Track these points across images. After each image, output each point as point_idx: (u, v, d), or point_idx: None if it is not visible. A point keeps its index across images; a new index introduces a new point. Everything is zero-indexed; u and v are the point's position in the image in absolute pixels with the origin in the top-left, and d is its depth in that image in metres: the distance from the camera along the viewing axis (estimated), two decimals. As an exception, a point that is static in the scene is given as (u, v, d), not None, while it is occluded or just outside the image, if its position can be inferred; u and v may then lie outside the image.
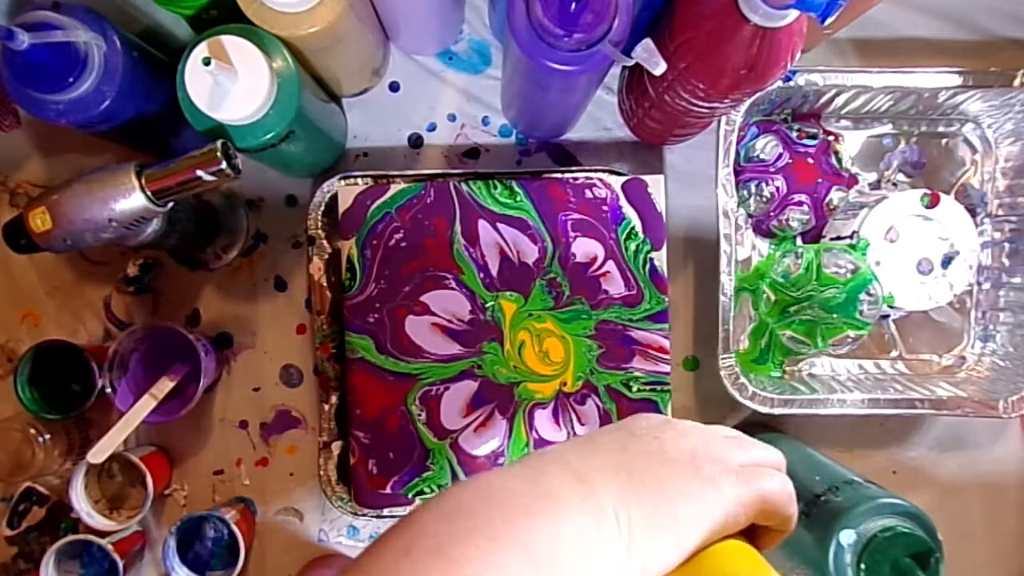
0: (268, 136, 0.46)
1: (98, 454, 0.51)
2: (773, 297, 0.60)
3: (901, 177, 0.63)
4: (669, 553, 0.30)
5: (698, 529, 0.30)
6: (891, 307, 0.59)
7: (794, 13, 0.40)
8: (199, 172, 0.44)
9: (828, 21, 0.37)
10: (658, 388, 0.55)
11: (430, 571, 0.26)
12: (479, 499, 0.29)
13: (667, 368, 0.56)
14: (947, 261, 0.59)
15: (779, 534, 0.33)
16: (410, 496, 0.54)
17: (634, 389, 0.55)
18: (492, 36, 0.61)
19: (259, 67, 0.44)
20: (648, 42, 0.42)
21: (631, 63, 0.42)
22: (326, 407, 0.57)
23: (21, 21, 0.43)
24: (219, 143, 0.43)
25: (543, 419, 0.55)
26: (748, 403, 0.57)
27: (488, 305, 0.55)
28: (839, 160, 0.62)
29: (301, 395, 0.61)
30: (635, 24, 0.44)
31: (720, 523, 0.31)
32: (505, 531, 0.27)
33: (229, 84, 0.43)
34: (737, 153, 0.60)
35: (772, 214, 0.61)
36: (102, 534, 0.56)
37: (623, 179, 0.56)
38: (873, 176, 0.63)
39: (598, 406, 0.55)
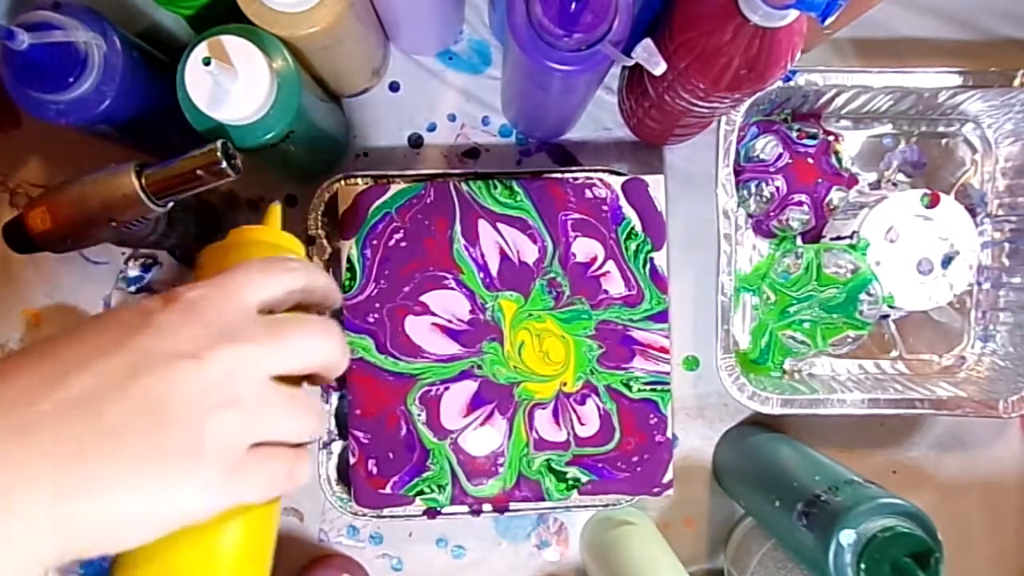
0: (268, 136, 0.46)
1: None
2: (773, 297, 0.60)
3: (901, 177, 0.63)
4: (127, 543, 0.25)
5: (165, 530, 0.26)
6: (891, 307, 0.59)
7: (794, 13, 0.40)
8: (199, 172, 0.44)
9: (828, 21, 0.37)
10: (658, 388, 0.55)
11: None
12: None
13: (667, 368, 0.56)
14: (947, 261, 0.59)
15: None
16: (410, 496, 0.54)
17: (634, 389, 0.55)
18: (492, 36, 0.61)
19: (259, 67, 0.44)
20: (648, 42, 0.42)
21: (631, 63, 0.42)
22: (326, 407, 0.57)
23: (21, 21, 0.43)
24: (219, 143, 0.43)
25: (543, 419, 0.55)
26: (748, 403, 0.57)
27: (488, 305, 0.55)
28: (839, 160, 0.62)
29: (301, 395, 0.61)
30: (635, 24, 0.44)
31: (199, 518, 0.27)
32: None
33: (229, 84, 0.43)
34: (737, 153, 0.60)
35: (772, 214, 0.61)
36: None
37: (623, 179, 0.56)
38: (873, 176, 0.63)
39: (598, 406, 0.55)
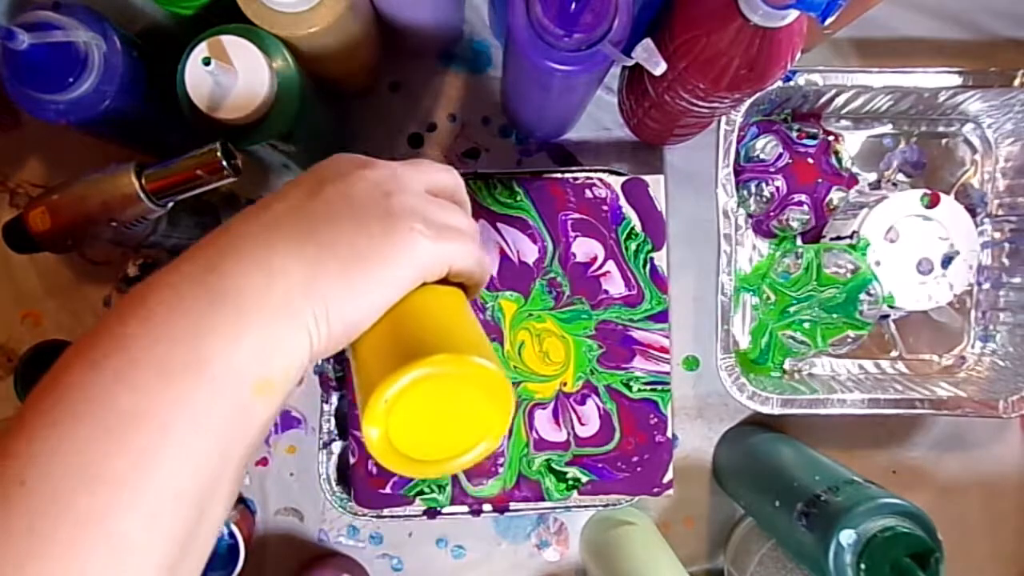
0: (268, 136, 0.46)
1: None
2: (773, 297, 0.60)
3: (901, 177, 0.63)
4: (366, 317, 0.29)
5: (394, 290, 0.29)
6: (891, 307, 0.59)
7: (794, 13, 0.40)
8: (199, 172, 0.44)
9: (828, 21, 0.37)
10: (658, 388, 0.55)
11: (91, 434, 0.23)
12: (139, 325, 0.25)
13: (667, 368, 0.56)
14: (947, 261, 0.59)
15: (474, 289, 0.34)
16: (410, 496, 0.54)
17: (634, 389, 0.55)
18: (492, 36, 0.61)
19: (259, 67, 0.44)
20: (648, 42, 0.42)
21: (631, 63, 0.42)
22: (326, 407, 0.57)
23: (21, 21, 0.43)
24: (219, 143, 0.43)
25: (543, 419, 0.55)
26: (748, 403, 0.57)
27: (488, 305, 0.55)
28: (839, 160, 0.62)
29: (301, 395, 0.61)
30: (635, 24, 0.44)
31: (416, 280, 0.30)
32: (179, 361, 0.25)
33: (229, 84, 0.43)
34: (737, 153, 0.60)
35: (772, 214, 0.61)
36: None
37: (623, 179, 0.56)
38: (873, 176, 0.63)
39: (598, 406, 0.55)
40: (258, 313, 0.27)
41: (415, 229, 0.30)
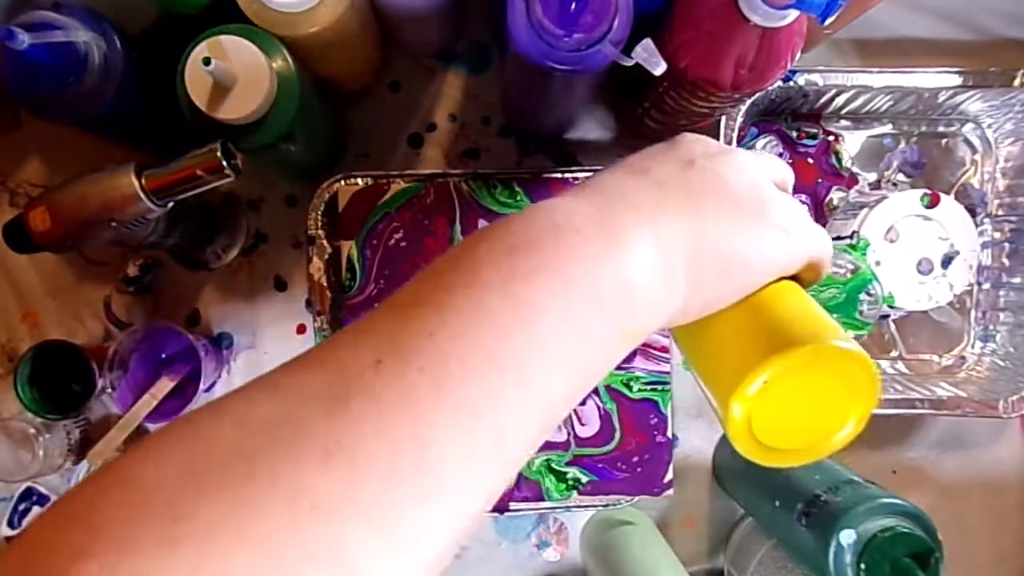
0: (268, 136, 0.46)
1: (98, 454, 0.51)
2: (773, 297, 0.60)
3: (901, 177, 0.63)
4: (732, 296, 0.30)
5: (763, 276, 0.30)
6: (891, 307, 0.59)
7: (794, 13, 0.40)
8: (199, 172, 0.44)
9: (828, 21, 0.37)
10: (659, 387, 0.55)
11: (497, 309, 0.24)
12: (546, 233, 0.26)
13: (668, 368, 0.56)
14: (947, 261, 0.59)
15: (809, 283, 0.33)
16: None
17: (635, 388, 0.55)
18: (492, 36, 0.61)
19: (259, 67, 0.44)
20: (648, 42, 0.42)
21: (631, 63, 0.42)
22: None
23: (21, 21, 0.43)
24: (219, 143, 0.43)
25: (543, 419, 0.55)
26: (748, 403, 0.57)
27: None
28: (839, 160, 0.62)
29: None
30: (635, 24, 0.44)
31: (780, 271, 0.30)
32: (573, 272, 0.25)
33: (229, 84, 0.43)
34: (737, 153, 0.60)
35: (772, 214, 0.61)
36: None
37: (623, 179, 0.56)
38: (873, 176, 0.63)
39: (598, 406, 0.55)
40: (644, 258, 0.27)
41: (788, 227, 0.30)
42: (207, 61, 0.42)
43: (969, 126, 0.63)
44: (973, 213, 0.61)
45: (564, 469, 0.55)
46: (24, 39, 0.41)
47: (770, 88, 0.53)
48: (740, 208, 0.30)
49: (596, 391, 0.55)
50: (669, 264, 0.27)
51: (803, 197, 0.61)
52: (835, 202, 0.61)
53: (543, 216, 0.27)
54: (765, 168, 0.33)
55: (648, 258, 0.27)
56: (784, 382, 0.28)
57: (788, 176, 0.35)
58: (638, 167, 0.31)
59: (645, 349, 0.55)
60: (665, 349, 0.55)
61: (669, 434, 0.55)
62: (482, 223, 0.55)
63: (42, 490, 0.57)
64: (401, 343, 0.23)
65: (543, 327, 0.24)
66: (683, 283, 0.28)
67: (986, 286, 0.63)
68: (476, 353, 0.23)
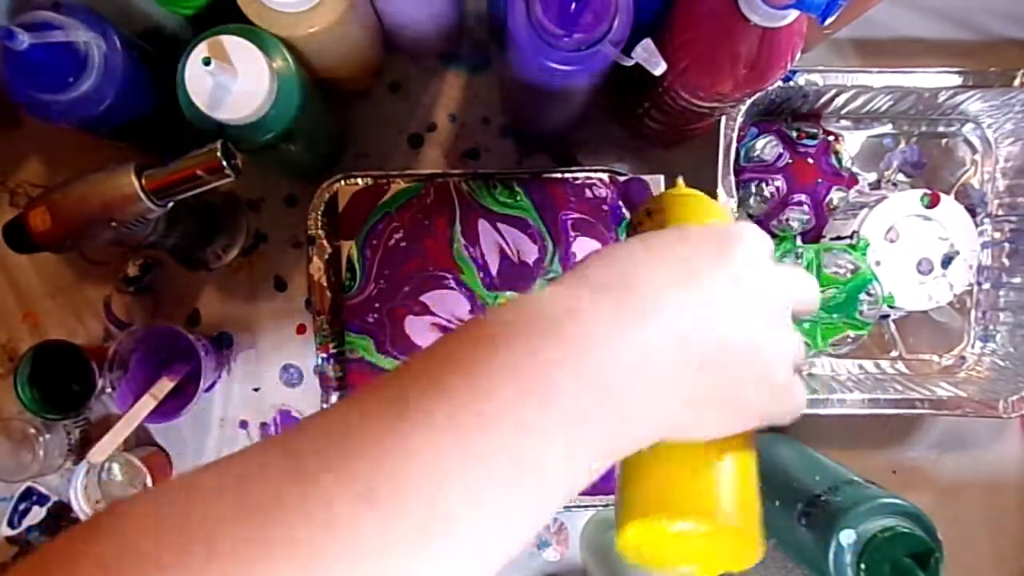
0: (268, 136, 0.46)
1: (98, 454, 0.51)
2: (773, 297, 0.60)
3: (901, 177, 0.63)
4: (688, 440, 0.29)
5: (715, 435, 0.29)
6: (891, 307, 0.59)
7: (794, 13, 0.40)
8: (199, 172, 0.44)
9: (828, 21, 0.37)
10: (658, 388, 0.55)
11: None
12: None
13: (667, 368, 0.55)
14: (947, 261, 0.59)
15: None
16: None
17: (634, 389, 0.55)
18: (492, 36, 0.61)
19: (259, 67, 0.44)
20: (648, 42, 0.42)
21: (631, 63, 0.42)
22: (326, 407, 0.57)
23: (21, 21, 0.43)
24: (219, 143, 0.43)
25: (543, 419, 0.55)
26: (748, 403, 0.57)
27: (488, 305, 0.55)
28: (839, 160, 0.62)
29: (301, 395, 0.61)
30: (635, 24, 0.44)
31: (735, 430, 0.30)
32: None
33: (229, 84, 0.43)
34: (737, 153, 0.60)
35: (772, 214, 0.61)
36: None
37: (623, 179, 0.56)
38: (873, 176, 0.63)
39: (598, 406, 0.55)
40: (599, 430, 0.26)
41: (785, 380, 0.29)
42: (207, 61, 0.42)
43: (969, 126, 0.63)
44: (973, 213, 0.61)
45: (564, 469, 0.55)
46: (24, 39, 0.41)
47: (770, 88, 0.53)
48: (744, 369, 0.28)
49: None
50: (639, 433, 0.27)
51: (803, 197, 0.61)
52: (835, 202, 0.61)
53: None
54: (782, 302, 0.30)
55: (611, 430, 0.26)
56: (689, 533, 0.30)
57: (811, 302, 0.33)
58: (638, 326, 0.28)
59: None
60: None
61: (669, 434, 0.55)
62: (482, 223, 0.55)
63: (42, 490, 0.57)
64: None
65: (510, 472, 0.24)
66: (643, 439, 0.27)
67: (986, 286, 0.63)
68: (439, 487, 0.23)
